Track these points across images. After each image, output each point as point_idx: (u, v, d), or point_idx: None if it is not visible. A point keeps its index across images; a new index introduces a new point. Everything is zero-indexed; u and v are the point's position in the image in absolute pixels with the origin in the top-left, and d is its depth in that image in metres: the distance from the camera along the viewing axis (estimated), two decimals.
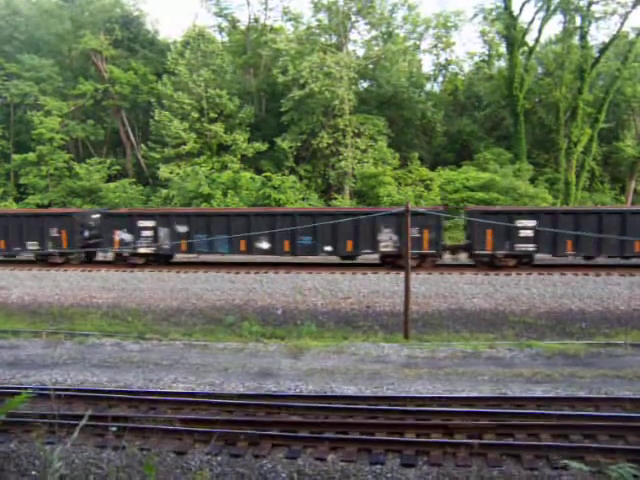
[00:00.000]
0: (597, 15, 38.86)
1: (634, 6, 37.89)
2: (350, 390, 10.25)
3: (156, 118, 40.60)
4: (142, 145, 44.17)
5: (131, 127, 46.35)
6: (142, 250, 24.16)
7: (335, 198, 38.30)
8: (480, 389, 10.19)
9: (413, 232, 21.74)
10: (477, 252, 22.35)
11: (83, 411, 8.82)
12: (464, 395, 9.77)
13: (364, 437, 8.13)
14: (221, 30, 50.08)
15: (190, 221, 23.65)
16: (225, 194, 37.08)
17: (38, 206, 40.43)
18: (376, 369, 11.70)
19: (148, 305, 19.54)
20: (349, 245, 22.68)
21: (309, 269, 23.14)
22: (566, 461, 6.83)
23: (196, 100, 40.32)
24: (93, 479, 7.32)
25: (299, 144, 39.65)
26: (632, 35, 40.07)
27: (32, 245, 24.99)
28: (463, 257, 23.97)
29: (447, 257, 23.87)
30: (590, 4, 38.21)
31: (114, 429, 8.30)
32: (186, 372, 11.70)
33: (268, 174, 37.67)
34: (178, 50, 41.74)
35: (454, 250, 24.03)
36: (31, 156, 41.98)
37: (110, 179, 43.01)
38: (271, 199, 35.49)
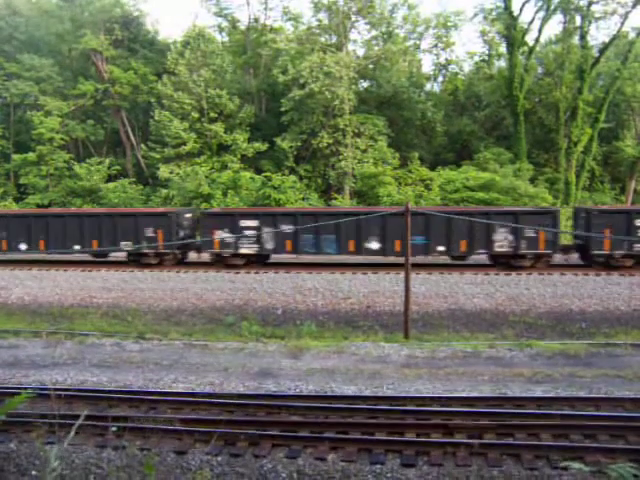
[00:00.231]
0: (597, 15, 38.94)
1: (634, 6, 37.92)
2: (350, 390, 10.24)
3: (156, 118, 40.61)
4: (142, 145, 44.19)
5: (131, 127, 46.37)
6: (243, 251, 23.45)
7: (335, 198, 38.31)
8: (480, 389, 10.18)
9: (529, 232, 21.45)
10: (594, 252, 21.92)
11: (83, 411, 8.83)
12: (464, 395, 9.76)
13: (364, 437, 8.13)
14: (221, 30, 50.13)
15: (297, 220, 22.86)
16: (225, 194, 37.09)
17: (38, 206, 40.43)
18: (376, 369, 11.70)
19: (148, 305, 19.53)
20: (463, 245, 22.13)
21: (309, 269, 23.14)
22: (566, 462, 6.83)
23: (196, 100, 40.34)
24: (93, 479, 7.31)
25: (299, 144, 39.67)
26: (632, 35, 40.11)
27: (126, 245, 24.23)
28: (573, 257, 23.56)
29: (557, 257, 23.13)
30: (590, 4, 38.24)
31: (114, 429, 8.30)
32: (186, 372, 11.69)
33: (268, 174, 37.67)
34: (178, 50, 41.75)
35: (565, 250, 23.49)
36: (31, 156, 42.01)
37: (110, 179, 43.02)
38: (271, 199, 35.50)
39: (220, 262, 23.83)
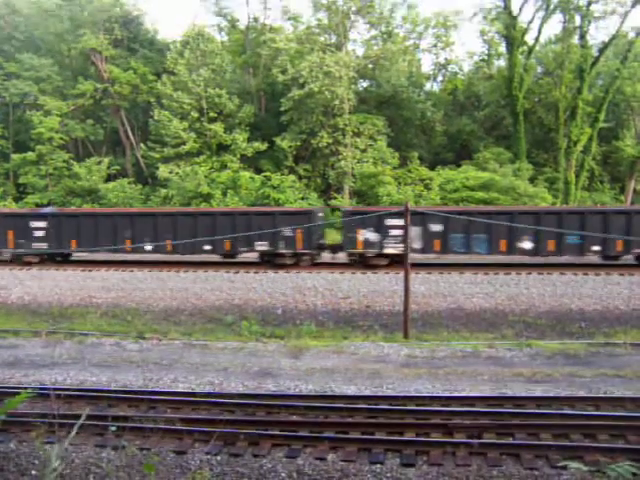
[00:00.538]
0: (596, 14, 38.98)
1: (633, 5, 37.95)
2: (350, 390, 10.24)
3: (155, 118, 40.62)
4: (141, 145, 44.19)
5: (130, 127, 46.35)
6: (389, 250, 22.68)
7: (334, 198, 38.31)
8: (480, 389, 10.18)
9: None
10: None
11: (82, 411, 8.82)
12: (464, 395, 9.76)
13: (364, 437, 8.12)
14: (220, 30, 50.17)
15: (446, 219, 22.07)
16: (225, 194, 37.10)
17: (37, 205, 40.41)
18: (376, 369, 11.69)
19: (148, 305, 19.52)
20: (619, 245, 21.59)
21: (309, 269, 23.12)
22: (566, 462, 6.82)
23: (196, 100, 40.34)
24: (93, 478, 7.31)
25: (299, 144, 39.68)
26: (632, 35, 40.16)
27: (261, 245, 23.37)
28: None
29: None
30: (589, 3, 38.27)
31: (113, 429, 8.29)
32: (186, 371, 11.69)
33: (267, 174, 37.69)
34: (177, 50, 41.77)
35: None
36: (30, 156, 42.00)
37: (110, 179, 43.03)
38: (270, 199, 35.50)
39: (361, 262, 22.98)
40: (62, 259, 26.53)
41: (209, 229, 23.64)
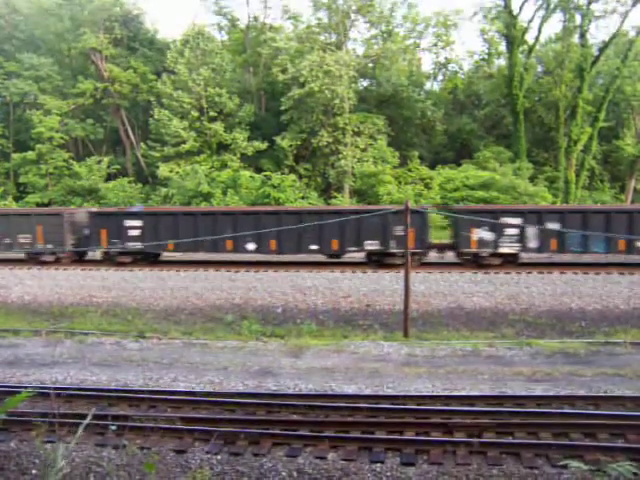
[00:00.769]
0: (597, 14, 39.03)
1: (634, 4, 37.94)
2: (350, 389, 10.24)
3: (156, 117, 40.63)
4: (142, 144, 44.20)
5: (131, 126, 46.36)
6: (503, 250, 22.28)
7: (335, 197, 38.31)
8: (480, 388, 10.18)
9: None
10: None
11: (83, 410, 8.83)
12: (464, 394, 9.76)
13: (364, 436, 8.13)
14: (220, 29, 50.20)
15: (564, 218, 21.69)
16: (225, 193, 37.11)
17: (38, 205, 40.42)
18: (376, 368, 11.69)
19: (148, 304, 19.52)
20: None
21: (309, 267, 23.11)
22: (566, 461, 6.83)
23: (196, 99, 40.35)
24: (93, 478, 7.32)
25: (299, 143, 39.69)
26: (632, 34, 40.17)
27: (371, 245, 22.91)
28: None
29: None
30: (590, 2, 38.26)
31: (114, 428, 8.30)
32: (186, 371, 11.69)
33: (268, 173, 37.70)
34: (177, 49, 41.77)
35: None
36: (31, 155, 42.02)
37: (110, 178, 43.05)
38: (271, 198, 35.51)
39: (474, 262, 22.53)
40: (153, 259, 25.72)
41: (316, 228, 22.79)
